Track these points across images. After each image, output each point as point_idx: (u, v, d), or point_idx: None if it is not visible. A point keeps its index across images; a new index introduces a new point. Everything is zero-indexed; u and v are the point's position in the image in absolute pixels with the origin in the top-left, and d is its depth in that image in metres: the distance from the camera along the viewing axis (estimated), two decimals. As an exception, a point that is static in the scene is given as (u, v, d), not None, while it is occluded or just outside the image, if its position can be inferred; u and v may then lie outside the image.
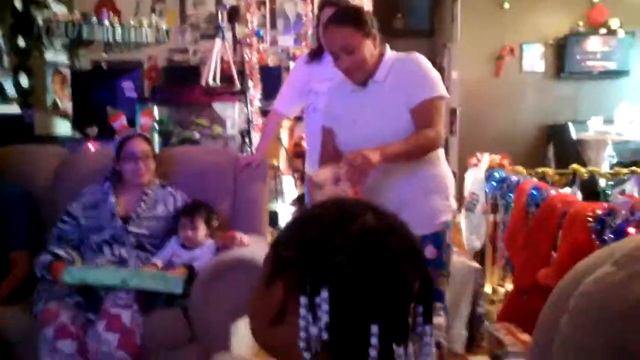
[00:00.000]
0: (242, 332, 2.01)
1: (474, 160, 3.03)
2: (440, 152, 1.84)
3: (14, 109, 4.02)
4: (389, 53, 1.81)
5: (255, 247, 2.10)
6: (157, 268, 2.01)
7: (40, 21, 5.01)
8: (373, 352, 0.62)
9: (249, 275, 1.91)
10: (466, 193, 3.01)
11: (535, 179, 2.55)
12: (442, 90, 1.75)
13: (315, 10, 3.33)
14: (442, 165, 1.84)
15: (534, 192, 2.28)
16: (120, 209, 2.13)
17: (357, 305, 0.63)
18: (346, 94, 1.84)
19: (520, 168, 2.79)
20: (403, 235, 0.68)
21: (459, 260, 2.45)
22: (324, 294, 0.62)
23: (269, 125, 2.64)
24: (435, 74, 1.77)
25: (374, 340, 0.62)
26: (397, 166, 1.72)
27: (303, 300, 0.63)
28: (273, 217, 3.43)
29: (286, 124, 3.61)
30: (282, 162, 3.92)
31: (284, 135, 4.01)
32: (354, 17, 1.72)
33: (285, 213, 3.79)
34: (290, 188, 3.94)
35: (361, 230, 0.66)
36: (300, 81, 2.50)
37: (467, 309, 2.44)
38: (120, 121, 2.26)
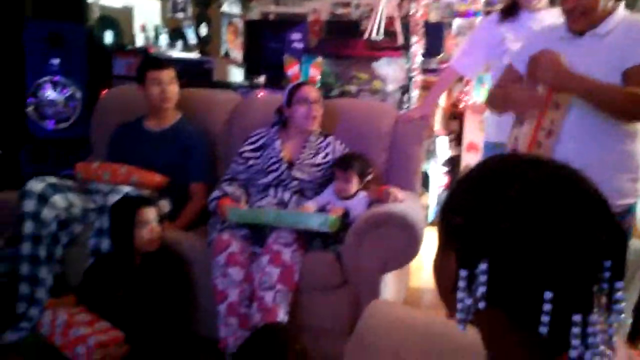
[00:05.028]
0: (391, 283, 2.06)
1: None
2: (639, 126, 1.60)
3: (194, 55, 4.43)
4: (621, 11, 1.59)
5: (408, 204, 2.11)
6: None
7: (219, -27, 5.37)
8: (545, 318, 0.57)
9: (401, 231, 1.92)
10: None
11: None
12: None
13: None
14: (638, 141, 1.61)
15: None
16: (285, 153, 2.24)
17: (524, 273, 0.58)
18: (553, 40, 1.63)
19: None
20: (578, 186, 0.60)
21: (631, 243, 2.22)
22: (483, 265, 0.59)
23: (441, 82, 2.56)
24: None
25: (546, 307, 0.57)
26: (584, 134, 1.56)
27: (463, 273, 0.61)
28: (424, 178, 3.39)
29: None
30: (437, 123, 3.81)
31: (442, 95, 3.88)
32: None
33: (438, 174, 3.71)
34: (443, 149, 3.84)
35: (524, 188, 0.59)
36: (489, 42, 2.29)
37: (635, 297, 2.22)
38: (294, 69, 2.33)
